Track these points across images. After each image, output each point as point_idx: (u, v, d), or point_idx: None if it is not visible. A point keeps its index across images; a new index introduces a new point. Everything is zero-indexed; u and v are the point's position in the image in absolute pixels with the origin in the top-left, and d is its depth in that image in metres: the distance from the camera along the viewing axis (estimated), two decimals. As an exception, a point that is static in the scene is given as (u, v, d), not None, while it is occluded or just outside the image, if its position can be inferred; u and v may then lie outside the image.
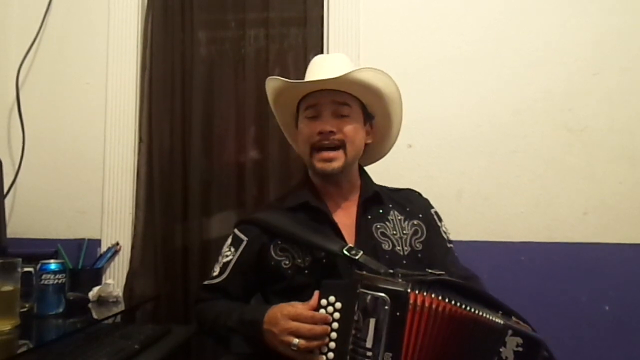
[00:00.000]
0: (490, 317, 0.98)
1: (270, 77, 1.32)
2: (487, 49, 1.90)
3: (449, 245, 1.36)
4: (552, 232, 1.82)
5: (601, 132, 1.83)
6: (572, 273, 1.77)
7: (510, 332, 0.93)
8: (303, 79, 1.33)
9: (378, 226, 1.27)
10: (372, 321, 0.96)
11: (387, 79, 1.29)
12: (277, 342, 1.06)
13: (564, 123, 1.85)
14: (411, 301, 0.96)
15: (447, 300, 0.98)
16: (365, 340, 0.96)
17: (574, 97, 1.84)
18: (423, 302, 0.97)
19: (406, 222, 1.30)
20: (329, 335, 1.01)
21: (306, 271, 1.22)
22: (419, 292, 0.97)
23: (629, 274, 1.75)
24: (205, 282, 1.35)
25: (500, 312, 1.03)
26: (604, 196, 1.81)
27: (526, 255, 1.80)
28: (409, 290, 0.97)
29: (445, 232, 1.37)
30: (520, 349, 0.92)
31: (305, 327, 1.02)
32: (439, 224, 1.37)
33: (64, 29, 2.08)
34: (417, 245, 1.28)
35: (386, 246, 1.24)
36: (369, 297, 0.97)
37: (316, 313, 1.03)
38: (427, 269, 1.12)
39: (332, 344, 1.01)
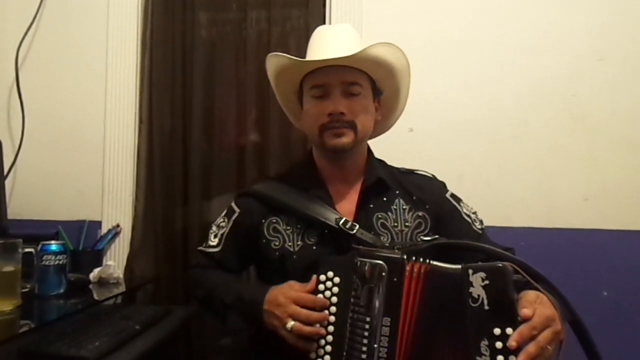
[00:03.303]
0: (448, 265, 0.99)
1: (273, 53, 1.23)
2: (490, 33, 1.88)
3: (477, 229, 1.26)
4: (553, 218, 1.82)
5: (603, 118, 1.82)
6: (572, 258, 1.78)
7: (471, 270, 0.93)
8: (308, 53, 1.28)
9: (379, 216, 1.22)
10: (371, 288, 1.00)
11: (399, 53, 1.22)
12: (275, 322, 1.07)
13: (567, 108, 1.84)
14: (407, 268, 0.99)
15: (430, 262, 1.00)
16: (364, 307, 1.00)
17: (577, 83, 1.83)
18: (419, 269, 0.99)
19: (410, 214, 1.23)
20: (327, 321, 1.02)
21: (294, 256, 1.19)
22: (415, 260, 1.00)
23: (628, 260, 1.76)
24: (201, 248, 1.35)
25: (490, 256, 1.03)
26: (605, 182, 1.81)
27: (526, 240, 1.80)
28: (405, 257, 1.00)
29: (468, 215, 1.27)
30: (487, 282, 0.91)
31: (303, 312, 1.03)
32: (458, 207, 1.28)
33: (62, 8, 2.06)
34: (419, 240, 1.20)
35: (385, 239, 1.19)
36: (366, 265, 1.01)
37: (317, 297, 1.04)
38: (422, 238, 1.14)
39: (332, 318, 1.02)
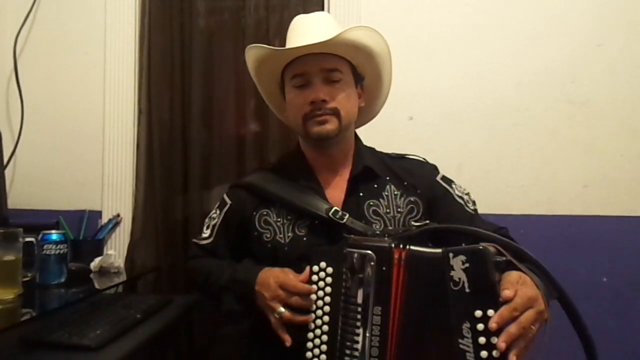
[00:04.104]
0: (428, 250, 0.99)
1: (251, 45, 1.23)
2: (489, 21, 1.87)
3: (469, 209, 1.25)
4: (553, 205, 1.82)
5: (603, 105, 1.82)
6: (572, 245, 1.78)
7: (451, 254, 0.93)
8: (287, 43, 1.26)
9: (371, 203, 1.22)
10: (360, 278, 1.00)
11: (378, 37, 1.22)
12: (265, 305, 1.09)
13: (566, 95, 1.83)
14: (396, 256, 0.99)
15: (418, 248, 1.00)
16: (355, 297, 1.00)
17: (576, 70, 1.83)
18: (407, 256, 0.99)
19: (402, 199, 1.23)
20: (322, 311, 1.03)
21: (286, 248, 1.20)
22: (402, 247, 1.00)
23: (628, 247, 1.76)
24: (195, 240, 1.37)
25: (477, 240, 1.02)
26: (604, 169, 1.81)
27: (526, 228, 1.80)
28: (392, 246, 1.00)
29: (461, 196, 1.26)
30: (467, 264, 0.91)
31: (292, 298, 1.05)
32: (449, 189, 1.27)
33: (60, -3, 2.05)
34: (411, 225, 1.20)
35: (377, 226, 1.19)
36: (355, 255, 1.01)
37: (299, 283, 1.06)
38: (412, 223, 1.14)
39: (327, 308, 1.03)
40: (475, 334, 0.89)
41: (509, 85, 1.86)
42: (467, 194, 1.29)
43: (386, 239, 1.05)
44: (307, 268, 1.07)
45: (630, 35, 1.81)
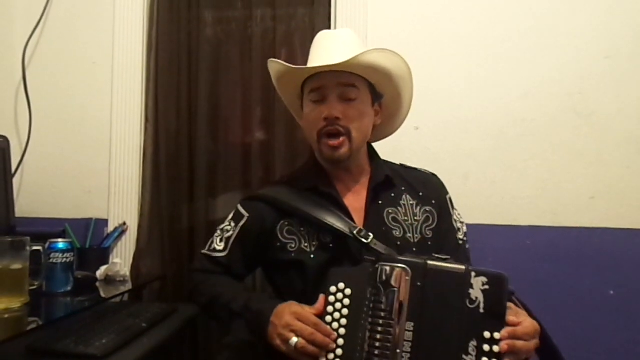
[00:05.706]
0: (453, 265, 1.03)
1: (272, 59, 1.27)
2: (496, 31, 1.88)
3: (460, 238, 1.31)
4: (559, 217, 1.81)
5: (610, 116, 1.81)
6: (578, 257, 1.77)
7: (473, 274, 0.99)
8: (309, 59, 1.30)
9: (390, 211, 1.25)
10: (393, 292, 1.00)
11: (396, 59, 1.24)
12: (276, 335, 1.05)
13: (573, 106, 1.83)
14: None
15: None
16: (386, 311, 1.00)
17: (583, 81, 1.82)
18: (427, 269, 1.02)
19: (418, 208, 1.27)
20: (337, 333, 1.02)
21: (312, 256, 1.21)
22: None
23: (635, 259, 1.75)
24: (206, 252, 1.33)
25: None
26: (611, 181, 1.80)
27: (532, 239, 1.80)
28: (427, 262, 1.02)
29: (457, 222, 1.32)
30: (487, 287, 0.97)
31: (308, 330, 1.02)
32: (451, 212, 1.33)
33: (69, 8, 2.07)
34: (428, 233, 1.25)
35: (397, 233, 1.22)
36: (388, 269, 1.02)
37: (321, 323, 1.03)
38: (434, 254, 1.14)
39: (342, 330, 1.02)
40: (480, 353, 0.95)
41: (515, 96, 1.85)
42: (463, 223, 1.34)
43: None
44: (322, 296, 1.05)
45: (637, 47, 1.80)
